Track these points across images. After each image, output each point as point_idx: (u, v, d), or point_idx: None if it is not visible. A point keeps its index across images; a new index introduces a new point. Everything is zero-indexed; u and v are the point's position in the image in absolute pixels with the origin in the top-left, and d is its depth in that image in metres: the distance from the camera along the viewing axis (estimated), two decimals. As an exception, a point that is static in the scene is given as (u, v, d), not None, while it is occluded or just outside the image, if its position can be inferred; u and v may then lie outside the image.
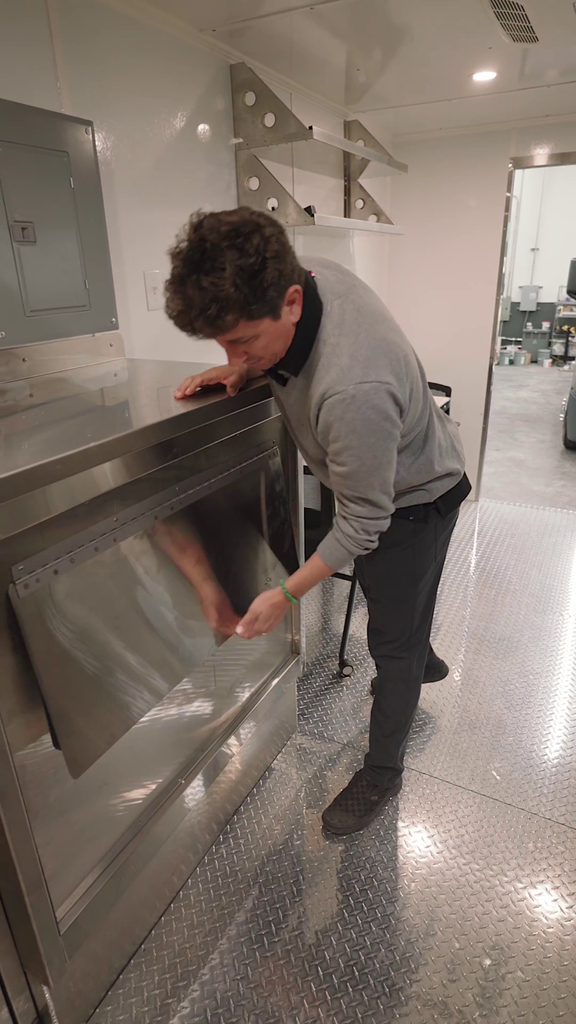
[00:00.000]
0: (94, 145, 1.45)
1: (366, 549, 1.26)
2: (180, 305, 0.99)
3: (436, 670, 2.16)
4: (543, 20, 1.70)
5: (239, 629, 1.34)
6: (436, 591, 1.59)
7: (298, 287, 1.08)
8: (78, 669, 0.99)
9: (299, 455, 1.55)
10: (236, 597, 1.38)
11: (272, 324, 1.06)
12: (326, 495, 2.12)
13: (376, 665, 1.69)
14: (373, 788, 1.75)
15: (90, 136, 1.43)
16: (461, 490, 1.46)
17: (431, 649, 2.13)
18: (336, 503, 1.27)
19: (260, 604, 1.33)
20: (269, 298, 1.00)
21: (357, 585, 2.47)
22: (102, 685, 1.04)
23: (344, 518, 1.24)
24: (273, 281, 0.99)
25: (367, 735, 2.02)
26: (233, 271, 0.95)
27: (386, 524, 1.25)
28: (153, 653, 1.16)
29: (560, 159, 3.19)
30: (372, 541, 1.25)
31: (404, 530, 1.42)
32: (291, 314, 1.09)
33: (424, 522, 1.41)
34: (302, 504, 1.73)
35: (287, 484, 1.68)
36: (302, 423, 1.25)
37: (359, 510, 1.21)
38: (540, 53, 2.16)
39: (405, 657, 1.59)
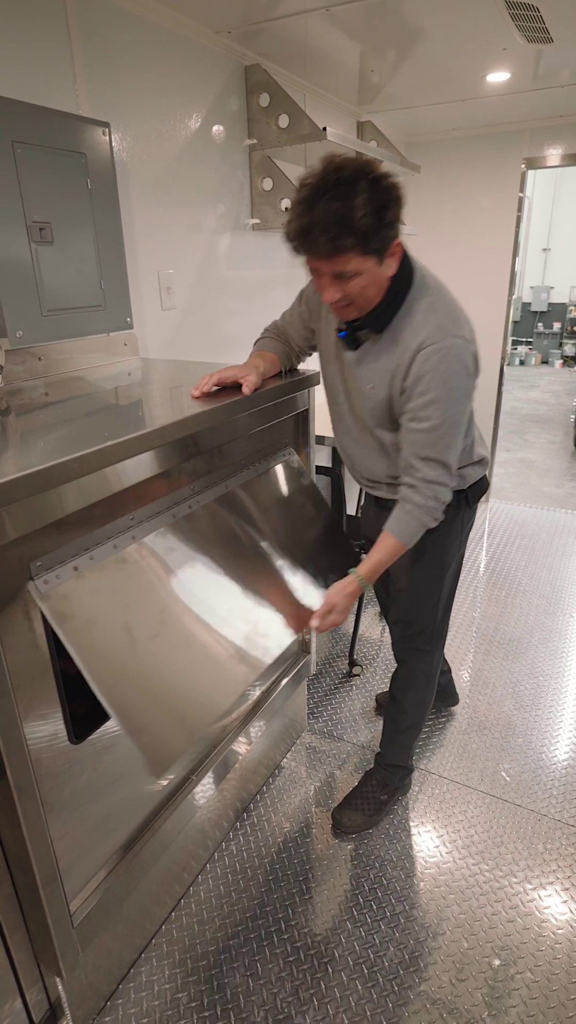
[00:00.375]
0: (111, 146, 1.46)
1: (435, 520, 1.27)
2: (306, 222, 1.03)
3: (450, 696, 2.14)
4: (558, 21, 1.70)
5: (314, 623, 1.30)
6: (456, 585, 1.61)
7: (400, 242, 1.14)
8: (131, 664, 0.99)
9: (334, 441, 1.55)
10: (295, 591, 1.37)
11: (375, 268, 1.11)
12: (337, 496, 2.13)
13: (398, 660, 1.69)
14: (383, 787, 1.75)
15: (107, 137, 1.45)
16: (485, 481, 1.50)
17: (448, 672, 2.12)
18: (403, 475, 1.26)
19: (335, 595, 1.31)
20: (384, 237, 1.07)
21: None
22: (164, 680, 1.03)
23: (412, 487, 1.24)
24: (392, 221, 1.07)
25: (377, 735, 2.03)
26: (364, 200, 1.01)
27: (450, 495, 1.27)
28: (212, 648, 1.15)
29: (573, 159, 3.18)
30: (440, 511, 1.26)
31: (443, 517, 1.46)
32: (389, 267, 1.14)
33: (456, 509, 1.42)
34: (314, 504, 1.73)
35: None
36: (367, 389, 1.27)
37: (432, 474, 1.22)
38: (554, 53, 2.15)
39: (429, 650, 1.62)
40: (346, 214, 1.01)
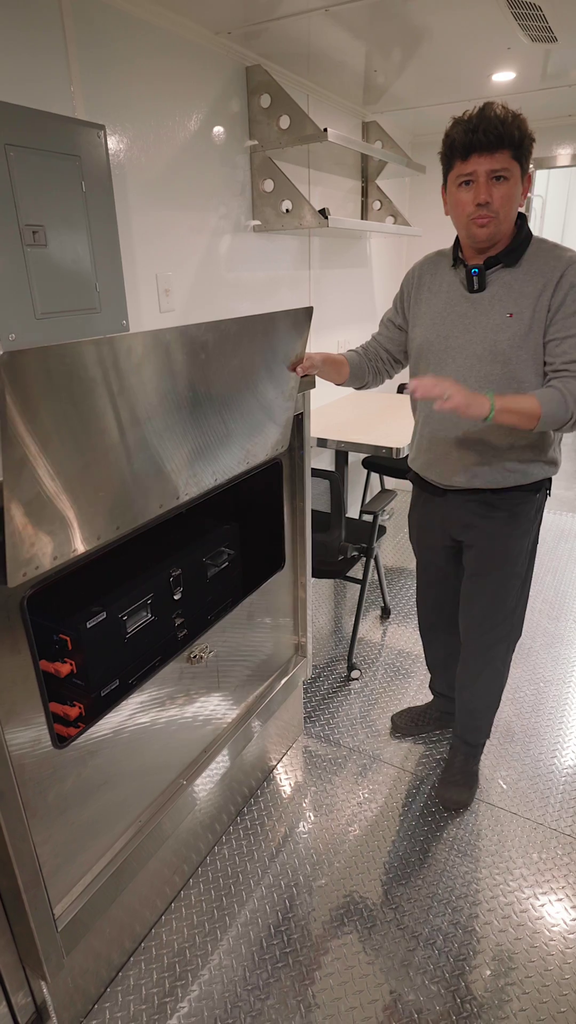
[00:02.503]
0: (106, 149, 1.46)
1: (570, 415, 1.29)
2: (475, 123, 1.21)
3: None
4: (562, 21, 1.68)
5: (416, 383, 1.26)
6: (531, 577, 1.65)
7: (531, 177, 1.30)
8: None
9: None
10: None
11: (516, 182, 1.26)
12: (336, 499, 2.12)
13: (473, 653, 1.69)
14: (474, 759, 1.86)
15: (102, 140, 1.45)
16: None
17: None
18: (562, 375, 1.31)
19: (461, 388, 1.27)
20: (527, 154, 1.25)
21: (366, 591, 2.46)
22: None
23: (565, 379, 1.30)
24: (530, 149, 1.26)
25: (373, 739, 2.02)
26: (518, 123, 1.23)
27: None
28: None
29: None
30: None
31: (532, 505, 1.51)
32: (521, 193, 1.29)
33: (545, 498, 1.53)
34: (309, 505, 1.72)
35: (296, 482, 1.68)
36: (506, 318, 1.32)
37: None
38: (561, 53, 2.13)
39: (507, 639, 1.66)
40: (514, 116, 1.23)
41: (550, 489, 1.53)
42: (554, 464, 1.49)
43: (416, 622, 1.98)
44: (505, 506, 1.49)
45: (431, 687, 2.05)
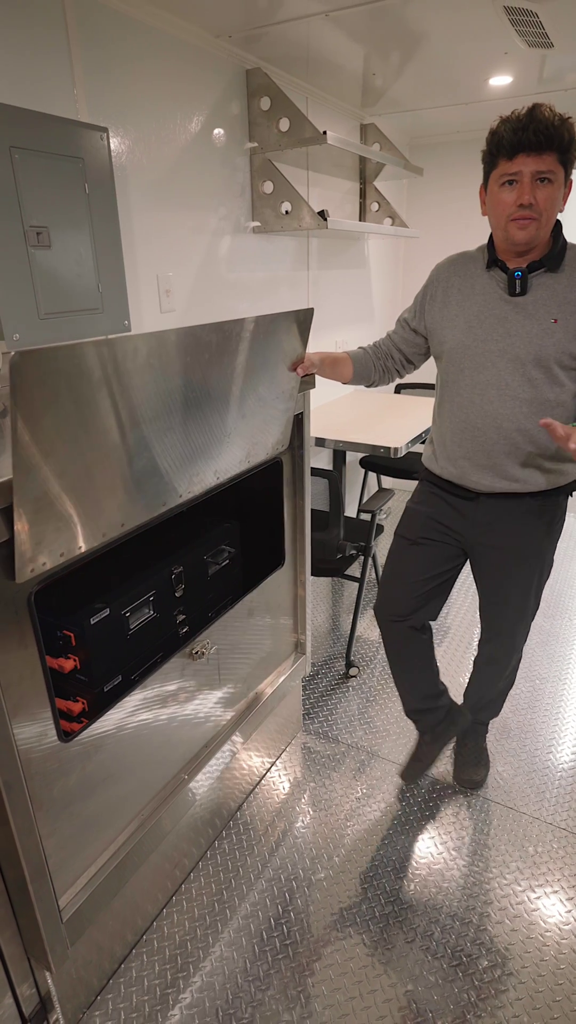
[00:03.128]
0: (109, 151, 1.48)
1: None
2: (524, 122, 1.21)
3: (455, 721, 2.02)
4: (558, 27, 1.70)
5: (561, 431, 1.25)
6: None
7: (572, 184, 1.31)
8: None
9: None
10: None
11: (560, 185, 1.27)
12: (335, 498, 2.14)
13: (490, 640, 1.73)
14: (484, 737, 1.95)
15: (105, 142, 1.46)
16: None
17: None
18: None
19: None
20: (571, 160, 1.25)
21: (364, 589, 2.49)
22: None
23: None
24: (574, 157, 1.26)
25: (371, 736, 2.04)
26: (566, 127, 1.23)
27: None
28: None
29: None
30: None
31: (561, 506, 1.53)
32: (562, 200, 1.30)
33: (569, 499, 1.54)
34: (308, 504, 1.75)
35: (296, 481, 1.70)
36: (550, 324, 1.34)
37: None
38: (557, 58, 2.16)
39: (530, 624, 1.70)
40: (557, 127, 1.22)
41: (575, 489, 1.54)
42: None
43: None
44: (541, 507, 1.50)
45: (410, 713, 1.83)
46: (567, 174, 1.28)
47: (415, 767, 1.82)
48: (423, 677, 1.74)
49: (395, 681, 1.79)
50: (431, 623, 1.72)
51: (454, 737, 1.87)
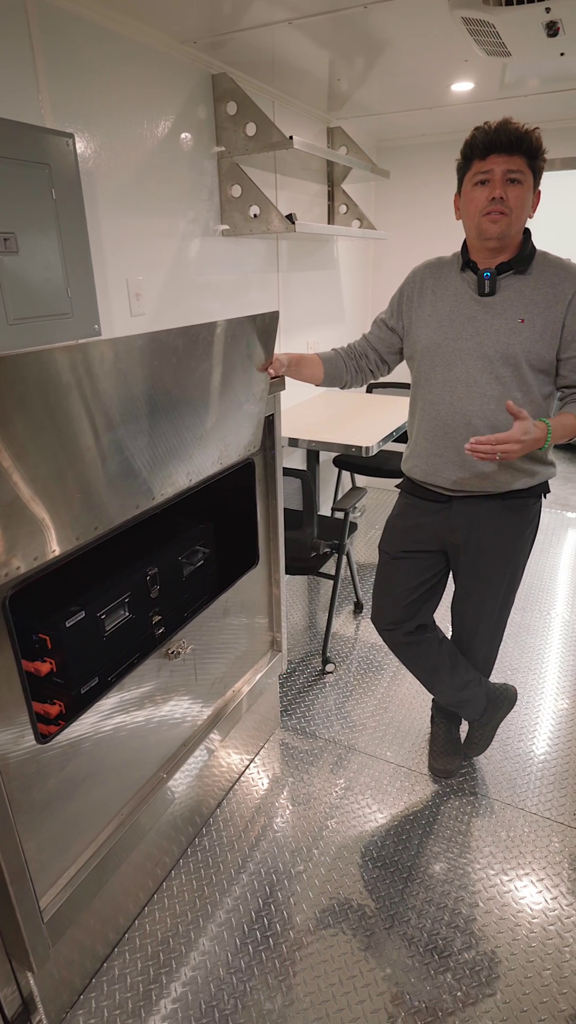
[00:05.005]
0: (75, 156, 1.49)
1: None
2: (497, 126, 1.30)
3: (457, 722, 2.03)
4: (514, 37, 1.76)
5: (482, 445, 1.28)
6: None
7: (540, 194, 1.38)
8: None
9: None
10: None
11: (529, 188, 1.34)
12: (308, 498, 2.17)
13: (462, 639, 1.76)
14: (458, 727, 1.98)
15: (71, 148, 1.47)
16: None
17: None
18: None
19: (518, 433, 1.28)
20: (540, 167, 1.34)
21: (339, 586, 2.52)
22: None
23: None
24: (543, 165, 1.35)
25: (348, 730, 2.08)
26: (536, 137, 1.32)
27: None
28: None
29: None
30: None
31: (534, 509, 1.58)
32: (532, 203, 1.37)
33: (542, 502, 1.59)
34: (281, 504, 1.77)
35: (269, 482, 1.72)
36: (518, 323, 1.38)
37: None
38: (517, 65, 2.22)
39: (500, 635, 1.75)
40: (527, 133, 1.31)
41: (548, 490, 1.59)
42: (553, 465, 1.55)
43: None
44: (515, 510, 1.54)
45: (446, 707, 1.89)
46: (535, 181, 1.35)
47: (442, 759, 1.91)
48: (439, 675, 1.75)
49: (421, 682, 1.82)
50: (433, 622, 1.76)
51: (504, 718, 1.93)
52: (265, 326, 1.36)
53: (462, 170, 1.39)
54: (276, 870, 1.63)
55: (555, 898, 1.53)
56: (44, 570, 1.03)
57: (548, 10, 1.58)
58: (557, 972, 1.37)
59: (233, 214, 2.27)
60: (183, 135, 2.04)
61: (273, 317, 1.37)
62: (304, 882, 1.60)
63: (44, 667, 1.22)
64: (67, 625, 1.20)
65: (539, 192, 1.38)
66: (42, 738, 1.10)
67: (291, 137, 2.06)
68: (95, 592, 1.30)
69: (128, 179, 1.84)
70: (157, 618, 1.46)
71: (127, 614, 1.36)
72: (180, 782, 1.52)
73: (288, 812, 1.80)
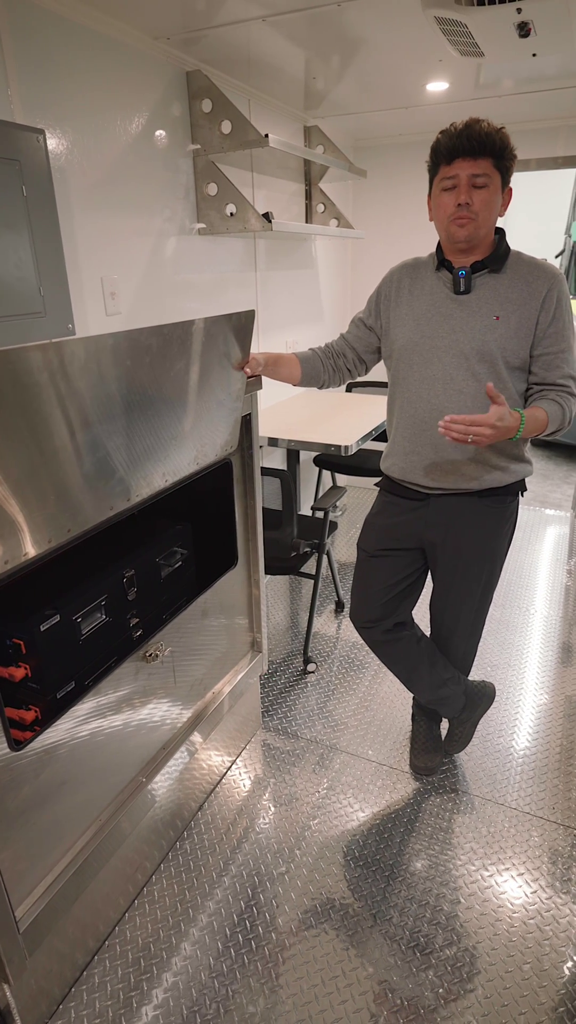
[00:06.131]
0: (47, 152, 1.47)
1: (558, 430, 1.42)
2: (462, 130, 1.30)
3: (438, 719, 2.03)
4: (487, 38, 1.77)
5: (457, 425, 1.28)
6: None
7: (511, 191, 1.39)
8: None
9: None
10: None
11: (496, 191, 1.34)
12: (287, 497, 2.16)
13: (441, 637, 1.77)
14: (438, 725, 1.97)
15: (42, 144, 1.45)
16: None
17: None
18: (560, 390, 1.42)
19: (492, 418, 1.27)
20: (509, 167, 1.35)
21: (319, 586, 2.52)
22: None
23: (572, 396, 1.43)
24: (512, 164, 1.35)
25: (330, 730, 2.08)
26: (502, 137, 1.32)
27: None
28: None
29: (519, 166, 3.28)
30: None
31: (511, 507, 1.57)
32: (501, 204, 1.37)
33: (515, 498, 1.59)
34: (260, 504, 1.76)
35: (247, 482, 1.71)
36: (493, 320, 1.39)
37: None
38: (492, 66, 2.23)
39: (479, 633, 1.77)
40: (491, 135, 1.31)
41: (525, 488, 1.60)
42: (530, 463, 1.56)
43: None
44: (491, 507, 1.54)
45: (426, 704, 1.89)
46: (504, 181, 1.36)
47: (423, 756, 1.91)
48: (418, 672, 1.76)
49: (400, 680, 1.82)
50: (411, 620, 1.76)
51: (483, 715, 1.94)
52: (241, 325, 1.35)
53: (431, 173, 1.40)
54: (258, 872, 1.62)
55: (534, 892, 1.54)
56: (17, 573, 1.01)
57: (519, 11, 1.59)
58: (537, 965, 1.39)
59: (209, 212, 2.26)
60: (157, 132, 2.02)
61: (249, 316, 1.36)
62: (287, 883, 1.59)
63: (19, 672, 1.19)
64: (42, 629, 1.18)
65: (510, 190, 1.39)
66: (16, 745, 1.08)
67: (267, 135, 2.05)
68: (71, 595, 1.28)
69: (102, 176, 1.82)
70: (135, 620, 1.45)
71: (104, 617, 1.34)
72: (160, 786, 1.51)
73: (270, 813, 1.79)
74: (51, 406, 0.94)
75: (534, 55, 1.96)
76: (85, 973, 1.39)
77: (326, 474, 3.67)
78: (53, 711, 1.21)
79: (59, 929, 1.28)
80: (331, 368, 1.65)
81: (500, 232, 1.43)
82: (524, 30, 1.70)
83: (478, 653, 2.45)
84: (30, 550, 1.00)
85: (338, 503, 2.37)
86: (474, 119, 1.32)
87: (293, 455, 2.93)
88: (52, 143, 1.62)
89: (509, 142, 1.33)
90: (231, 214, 2.24)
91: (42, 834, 1.18)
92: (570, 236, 5.72)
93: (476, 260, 1.41)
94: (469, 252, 1.41)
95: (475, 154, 1.30)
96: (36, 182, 1.44)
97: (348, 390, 3.57)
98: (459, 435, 1.28)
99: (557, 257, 6.14)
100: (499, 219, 1.41)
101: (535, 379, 1.45)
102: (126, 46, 1.83)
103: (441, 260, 1.46)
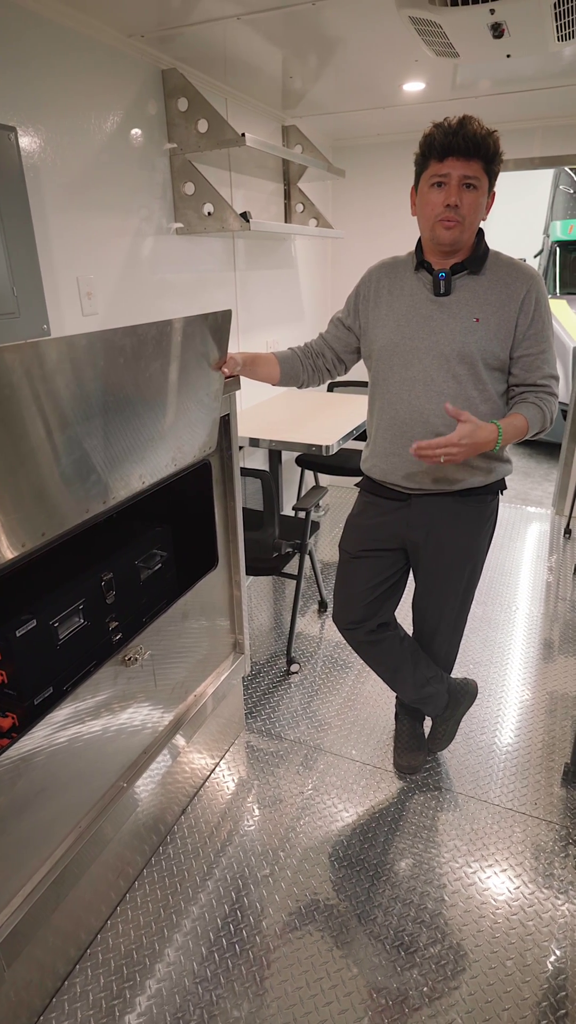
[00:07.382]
0: (18, 150, 1.44)
1: (540, 432, 1.44)
2: (455, 128, 1.28)
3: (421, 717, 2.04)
4: (461, 38, 1.77)
5: (431, 444, 1.31)
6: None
7: (495, 196, 1.39)
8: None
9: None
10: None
11: (483, 193, 1.34)
12: (268, 495, 2.15)
13: (423, 636, 1.78)
14: (421, 724, 1.99)
15: (14, 141, 1.43)
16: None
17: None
18: (539, 391, 1.44)
19: (466, 432, 1.31)
20: (496, 171, 1.34)
21: (302, 586, 2.52)
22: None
23: (551, 395, 1.45)
24: (499, 168, 1.34)
25: (314, 730, 2.08)
26: (493, 140, 1.32)
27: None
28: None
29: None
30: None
31: (491, 506, 1.58)
32: (486, 209, 1.37)
33: (499, 499, 1.61)
34: (240, 505, 1.75)
35: (226, 483, 1.70)
36: (473, 322, 1.40)
37: (555, 387, 1.45)
38: (465, 68, 2.24)
39: (460, 631, 1.78)
40: (484, 138, 1.30)
41: (504, 487, 1.60)
42: (509, 462, 1.57)
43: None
44: (472, 507, 1.55)
45: (410, 704, 1.87)
46: (491, 184, 1.36)
47: (406, 755, 1.92)
48: (401, 672, 1.76)
49: (383, 680, 1.82)
50: (394, 620, 1.76)
51: (466, 712, 1.93)
52: (218, 325, 1.34)
53: (419, 166, 1.38)
54: (243, 875, 1.61)
55: (518, 888, 1.55)
56: (-11, 579, 0.99)
57: (492, 12, 1.60)
58: (520, 961, 1.39)
59: (187, 212, 2.24)
60: (133, 131, 2.00)
61: (225, 316, 1.35)
62: (271, 886, 1.58)
63: (-6, 679, 1.17)
64: (18, 634, 1.17)
65: (493, 194, 1.39)
66: (-9, 753, 1.06)
67: (243, 134, 2.04)
68: (48, 599, 1.26)
69: (76, 175, 1.80)
70: (113, 624, 1.43)
71: (82, 621, 1.33)
72: (142, 790, 1.49)
73: (254, 815, 1.79)
74: (25, 407, 0.92)
75: (508, 56, 1.97)
76: (66, 983, 1.37)
77: (309, 474, 3.67)
78: (31, 717, 1.20)
79: (39, 939, 1.26)
80: (310, 368, 1.65)
81: (480, 233, 1.43)
82: (498, 31, 1.70)
83: (460, 650, 2.46)
84: (5, 553, 0.98)
85: (320, 503, 2.36)
86: (468, 116, 1.30)
87: (275, 455, 2.93)
88: (24, 141, 1.60)
89: (499, 147, 1.33)
90: (209, 213, 2.23)
91: (20, 842, 1.16)
92: (548, 236, 5.79)
93: (456, 262, 1.41)
94: (451, 254, 1.41)
95: (468, 155, 1.29)
96: (7, 180, 1.42)
97: (330, 390, 3.57)
98: (431, 458, 1.32)
99: (536, 257, 6.20)
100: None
101: (515, 380, 1.46)
102: (100, 43, 1.81)
103: (420, 261, 1.46)
